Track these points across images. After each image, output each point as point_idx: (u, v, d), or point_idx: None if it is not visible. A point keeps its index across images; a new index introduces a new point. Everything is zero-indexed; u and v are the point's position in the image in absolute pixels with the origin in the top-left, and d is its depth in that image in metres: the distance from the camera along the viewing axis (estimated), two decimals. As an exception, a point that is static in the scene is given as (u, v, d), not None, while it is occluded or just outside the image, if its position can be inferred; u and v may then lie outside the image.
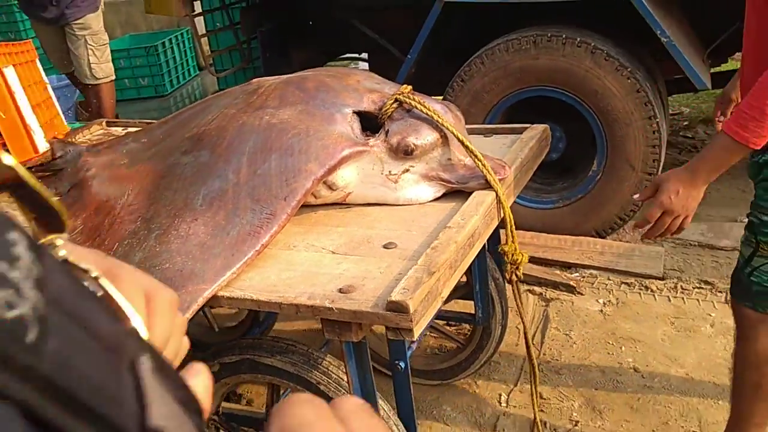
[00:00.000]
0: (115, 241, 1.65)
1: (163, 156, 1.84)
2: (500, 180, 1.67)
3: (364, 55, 5.55)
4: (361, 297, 1.34)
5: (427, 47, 3.40)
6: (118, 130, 2.85)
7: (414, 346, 2.09)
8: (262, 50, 4.24)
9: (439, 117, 1.66)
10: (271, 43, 4.26)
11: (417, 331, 1.27)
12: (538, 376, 2.04)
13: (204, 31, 4.70)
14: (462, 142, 1.65)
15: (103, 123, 2.93)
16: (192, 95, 6.82)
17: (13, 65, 2.29)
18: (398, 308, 1.25)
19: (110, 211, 1.80)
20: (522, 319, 1.87)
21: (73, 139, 2.65)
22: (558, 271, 3.19)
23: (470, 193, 1.69)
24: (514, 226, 1.71)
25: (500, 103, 3.26)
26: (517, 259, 1.77)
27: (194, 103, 2.17)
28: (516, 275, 1.81)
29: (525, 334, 1.95)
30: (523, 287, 3.11)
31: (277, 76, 1.93)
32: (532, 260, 3.26)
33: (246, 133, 1.69)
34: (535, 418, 2.10)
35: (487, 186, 1.67)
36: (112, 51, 6.72)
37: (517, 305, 1.90)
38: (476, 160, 1.65)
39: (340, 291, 1.37)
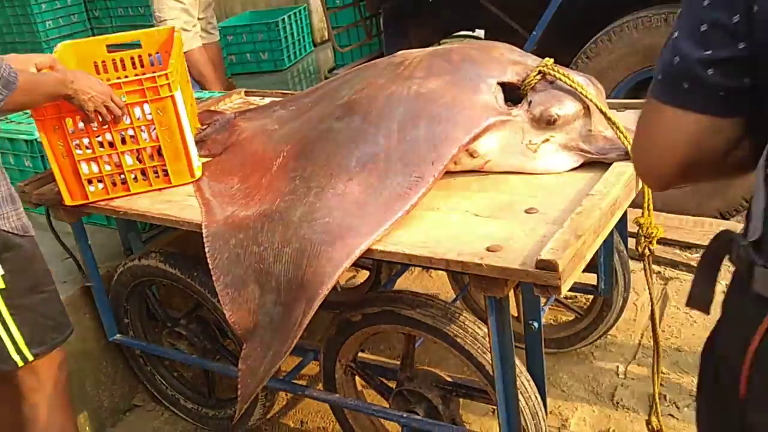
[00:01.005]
0: (276, 197, 1.82)
1: (315, 122, 1.99)
2: (640, 152, 1.72)
3: (479, 33, 5.59)
4: (509, 255, 1.44)
5: (552, 24, 3.41)
6: (256, 100, 3.05)
7: (547, 308, 2.18)
8: (385, 27, 4.36)
9: (582, 89, 1.72)
10: (392, 19, 4.38)
11: (564, 289, 1.36)
12: (660, 349, 2.07)
13: (322, 9, 4.87)
14: (605, 114, 1.71)
15: (242, 92, 3.14)
16: (307, 70, 7.06)
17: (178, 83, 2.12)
18: (548, 266, 1.34)
19: (267, 171, 1.97)
20: (650, 292, 1.90)
21: (216, 108, 2.86)
22: (677, 251, 3.16)
23: (608, 165, 1.75)
24: (651, 200, 1.75)
25: (626, 81, 3.24)
26: (652, 233, 1.81)
27: (337, 75, 2.32)
28: (649, 249, 1.85)
29: (652, 307, 1.99)
30: (641, 265, 3.11)
31: (420, 49, 2.04)
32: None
33: (395, 102, 1.82)
34: (655, 390, 2.13)
35: (627, 158, 1.73)
36: (234, 27, 7.06)
37: (647, 279, 1.93)
38: (618, 131, 1.71)
39: (488, 249, 1.47)
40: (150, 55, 2.43)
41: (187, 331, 2.34)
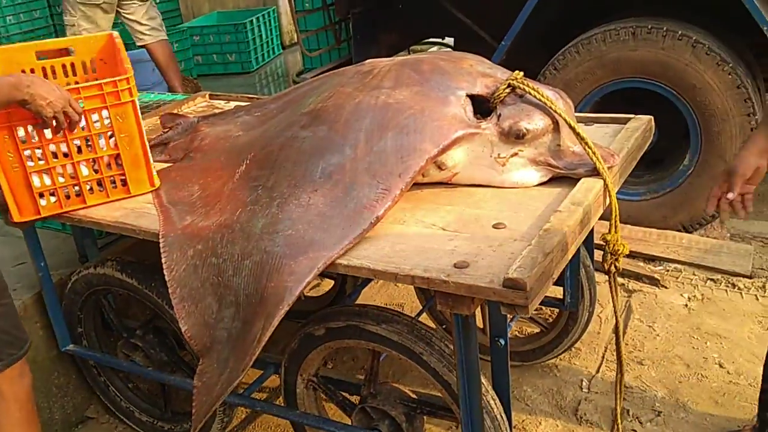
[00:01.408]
0: (237, 206, 1.76)
1: (280, 129, 1.94)
2: (609, 168, 1.71)
3: (448, 41, 5.59)
4: (476, 273, 1.41)
5: (521, 35, 3.41)
6: (221, 103, 2.98)
7: (513, 324, 2.15)
8: (354, 32, 4.32)
9: (551, 103, 1.70)
10: (362, 25, 4.34)
11: (531, 308, 1.33)
12: (623, 366, 2.05)
13: (291, 12, 4.82)
14: (573, 129, 1.69)
15: (207, 95, 3.07)
16: (275, 73, 6.98)
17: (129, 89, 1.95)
18: (515, 285, 1.31)
19: (229, 179, 1.91)
20: (615, 309, 1.89)
21: (179, 111, 2.79)
22: (641, 264, 3.18)
23: (576, 180, 1.74)
24: (618, 216, 1.74)
25: (593, 93, 3.26)
26: (618, 250, 1.79)
27: (304, 82, 2.27)
28: (615, 266, 1.83)
29: (617, 323, 1.97)
30: (605, 277, 3.11)
31: (389, 58, 2.01)
32: (616, 251, 3.26)
33: (363, 111, 1.78)
34: (616, 405, 2.10)
35: (595, 174, 1.71)
36: (201, 27, 6.95)
37: (612, 295, 1.92)
38: (586, 147, 1.69)
39: (455, 266, 1.44)
40: (84, 63, 2.26)
41: (143, 343, 2.26)
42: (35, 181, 1.89)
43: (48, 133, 1.84)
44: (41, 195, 1.92)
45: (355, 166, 1.68)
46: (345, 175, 1.68)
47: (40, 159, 1.88)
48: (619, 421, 2.09)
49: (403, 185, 1.64)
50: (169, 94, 4.59)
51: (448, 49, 5.55)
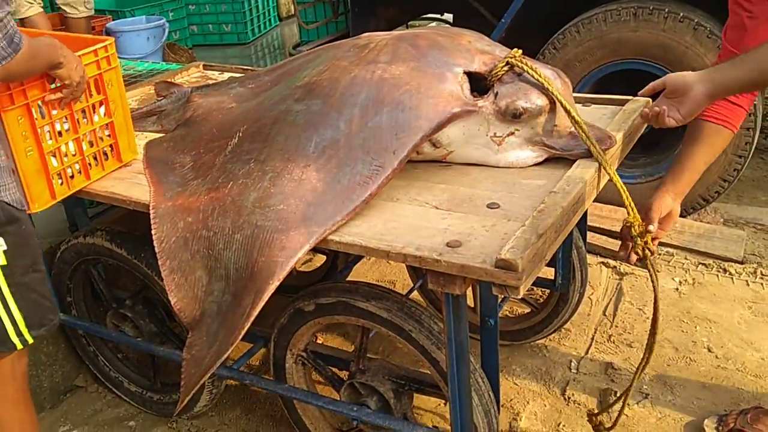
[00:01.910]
0: (229, 179, 1.74)
1: (274, 102, 1.91)
2: (605, 150, 1.69)
3: (447, 17, 5.53)
4: (468, 252, 1.40)
5: (521, 13, 3.37)
6: (215, 74, 2.95)
7: (503, 304, 2.15)
8: (352, 5, 4.27)
9: (549, 83, 1.68)
10: (360, -2, 4.29)
11: (523, 290, 1.32)
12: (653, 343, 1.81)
13: (292, -17, 4.76)
14: (568, 112, 1.67)
15: (201, 66, 3.03)
16: (271, 45, 6.91)
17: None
18: (507, 266, 1.30)
19: (221, 150, 1.89)
20: (655, 296, 1.71)
21: (173, 80, 2.75)
22: (634, 247, 3.18)
23: (571, 161, 1.72)
24: (630, 197, 1.69)
25: (592, 73, 3.23)
26: (644, 231, 1.68)
27: (300, 54, 2.24)
28: (649, 249, 1.70)
29: (654, 314, 1.76)
30: (597, 260, 3.12)
31: (387, 32, 1.98)
32: (608, 234, 3.27)
33: (358, 86, 1.75)
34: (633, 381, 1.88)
35: (590, 155, 1.70)
36: (199, -5, 6.85)
37: (653, 282, 1.72)
38: (580, 131, 1.67)
39: (448, 245, 1.43)
40: None
41: (132, 313, 2.25)
42: (52, 161, 1.79)
43: (57, 106, 1.74)
44: (54, 177, 1.81)
45: (349, 142, 1.66)
46: (339, 150, 1.66)
47: (49, 138, 1.77)
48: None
49: (396, 162, 1.62)
50: (163, 63, 4.55)
51: (447, 25, 5.50)
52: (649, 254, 1.68)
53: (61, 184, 1.84)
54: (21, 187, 1.71)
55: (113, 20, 5.32)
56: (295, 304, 1.85)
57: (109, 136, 1.94)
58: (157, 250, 1.70)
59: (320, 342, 2.55)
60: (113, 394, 2.51)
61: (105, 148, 1.94)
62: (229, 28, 6.76)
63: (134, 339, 2.25)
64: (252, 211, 1.61)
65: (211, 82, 2.68)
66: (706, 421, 2.17)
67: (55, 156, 1.80)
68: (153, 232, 1.72)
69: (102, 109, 1.91)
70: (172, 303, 1.66)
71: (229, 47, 6.69)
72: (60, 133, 1.80)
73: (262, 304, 1.50)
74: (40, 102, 1.70)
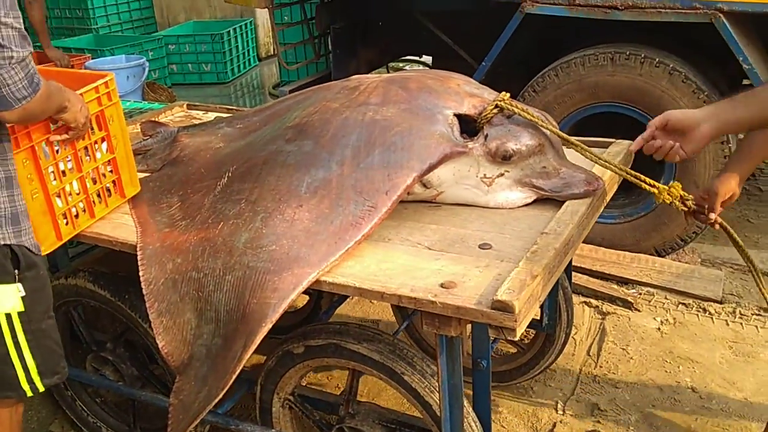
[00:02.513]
0: (219, 219, 1.72)
1: (264, 142, 1.91)
2: (593, 191, 1.72)
3: (425, 59, 5.63)
4: (464, 294, 1.39)
5: (500, 56, 3.44)
6: (199, 114, 2.95)
7: (495, 346, 2.14)
8: (334, 47, 4.32)
9: (542, 122, 1.71)
10: (341, 40, 4.34)
11: (519, 331, 1.32)
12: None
13: (271, 25, 4.80)
14: (569, 141, 1.70)
15: (185, 105, 3.03)
16: (251, 84, 6.95)
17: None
18: (504, 308, 1.30)
19: (209, 190, 1.88)
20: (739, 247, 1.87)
21: (157, 119, 2.75)
22: (615, 286, 3.21)
23: (560, 203, 1.74)
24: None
25: (570, 116, 3.29)
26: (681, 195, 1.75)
27: (289, 95, 2.25)
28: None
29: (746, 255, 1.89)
30: (579, 299, 3.14)
31: (376, 75, 2.00)
32: (590, 273, 3.29)
33: (349, 127, 1.76)
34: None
35: (580, 197, 1.72)
36: (177, 36, 6.89)
37: (736, 245, 1.91)
38: (583, 151, 1.71)
39: (442, 286, 1.42)
40: None
41: (113, 356, 2.20)
42: (57, 202, 1.75)
43: (65, 144, 1.72)
44: (59, 217, 1.77)
45: (341, 182, 1.67)
46: (331, 190, 1.66)
47: (54, 179, 1.74)
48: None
49: (389, 203, 1.62)
50: (146, 102, 4.54)
51: (425, 67, 5.59)
52: (693, 208, 1.80)
53: (67, 224, 1.80)
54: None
55: (92, 59, 5.31)
56: (284, 347, 1.82)
57: (111, 171, 1.91)
58: (144, 291, 1.67)
59: (305, 384, 2.51)
60: (90, 441, 2.44)
61: (108, 184, 1.91)
62: (208, 67, 6.80)
63: (115, 383, 2.19)
64: (243, 251, 1.60)
65: (196, 121, 2.68)
66: None
67: (59, 196, 1.76)
68: (141, 273, 1.69)
69: (104, 146, 1.89)
70: (159, 346, 1.63)
71: (209, 86, 6.71)
72: (64, 173, 1.76)
73: (254, 347, 1.47)
74: (44, 143, 1.67)
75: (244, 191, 1.77)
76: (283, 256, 1.55)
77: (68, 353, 2.36)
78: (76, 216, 1.83)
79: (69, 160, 1.78)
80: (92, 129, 1.81)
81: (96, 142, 1.84)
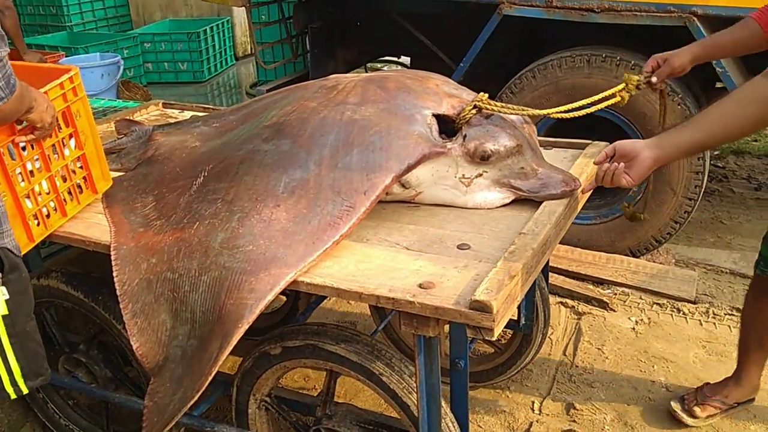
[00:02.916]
0: (195, 219, 1.70)
1: (241, 141, 1.90)
2: (570, 191, 1.73)
3: (404, 59, 5.63)
4: (442, 294, 1.39)
5: (478, 57, 3.45)
6: (175, 112, 2.91)
7: (473, 346, 2.15)
8: (311, 46, 4.30)
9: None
10: (319, 40, 4.33)
11: (497, 331, 1.32)
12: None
13: (248, 24, 4.77)
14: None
15: (160, 104, 3.00)
16: (228, 84, 6.90)
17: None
18: (482, 308, 1.30)
19: (185, 190, 1.86)
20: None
21: (132, 118, 2.71)
22: (591, 287, 3.23)
23: (538, 203, 1.75)
24: None
25: (547, 118, 3.30)
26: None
27: (266, 94, 2.24)
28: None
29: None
30: (555, 299, 3.16)
31: (354, 74, 1.99)
32: (566, 274, 3.31)
33: (327, 126, 1.75)
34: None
35: (557, 197, 1.72)
36: (153, 34, 6.82)
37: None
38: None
39: (421, 286, 1.42)
40: None
41: (86, 358, 2.16)
42: (27, 203, 1.71)
43: (27, 146, 1.67)
44: (30, 219, 1.72)
45: (319, 182, 1.65)
46: (309, 190, 1.65)
47: (21, 180, 1.69)
48: None
49: (368, 203, 1.61)
50: (120, 101, 4.48)
51: (403, 67, 5.59)
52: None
53: (38, 225, 1.75)
54: None
55: (66, 57, 5.23)
56: (261, 348, 1.80)
57: (81, 168, 1.87)
58: (118, 292, 1.64)
59: (283, 386, 2.49)
60: (62, 444, 2.40)
61: (78, 181, 1.86)
62: (185, 66, 6.73)
63: (88, 385, 2.16)
64: (220, 252, 1.58)
65: (171, 120, 2.65)
66: (671, 404, 2.40)
67: (29, 197, 1.71)
68: (114, 274, 1.66)
69: (72, 142, 1.83)
70: (134, 348, 1.60)
71: (185, 85, 6.65)
72: (32, 173, 1.71)
73: (230, 348, 1.46)
74: (10, 144, 1.63)
75: (220, 191, 1.75)
76: (260, 256, 1.54)
77: (40, 355, 2.33)
78: (48, 216, 1.79)
79: (37, 160, 1.73)
80: (59, 126, 1.76)
81: (63, 140, 1.79)
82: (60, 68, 1.87)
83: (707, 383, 2.43)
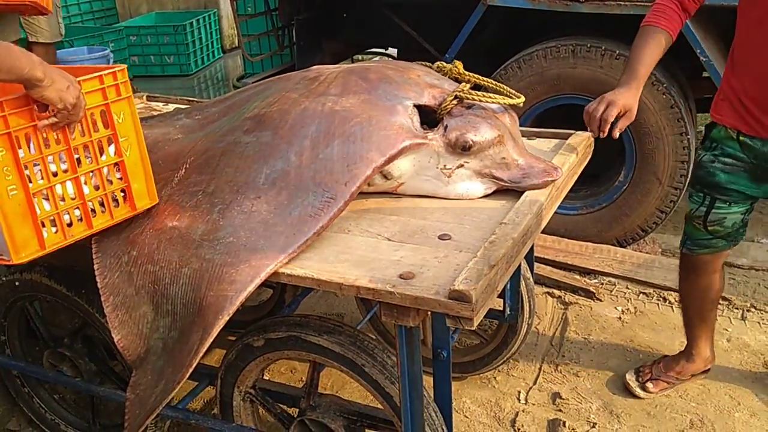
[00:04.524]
0: (176, 212, 1.70)
1: (222, 134, 1.89)
2: (552, 181, 1.73)
3: (391, 51, 5.61)
4: (422, 284, 1.39)
5: (464, 48, 3.44)
6: (159, 105, 2.90)
7: (455, 336, 2.15)
8: (297, 38, 4.29)
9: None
10: (305, 32, 4.31)
11: (476, 321, 1.33)
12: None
13: (233, 16, 4.75)
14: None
15: (144, 97, 2.98)
16: (215, 77, 6.87)
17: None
18: (461, 297, 1.31)
19: (167, 182, 1.85)
20: None
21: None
22: (578, 277, 3.25)
23: (520, 193, 1.75)
24: None
25: (533, 108, 3.31)
26: None
27: (248, 85, 2.23)
28: None
29: None
30: (542, 290, 3.17)
31: (336, 65, 1.99)
32: (553, 264, 3.32)
33: (308, 118, 1.75)
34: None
35: (538, 187, 1.73)
36: (139, 27, 6.77)
37: None
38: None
39: (401, 277, 1.42)
40: None
41: (71, 352, 2.16)
42: (45, 205, 1.51)
43: (50, 131, 1.47)
44: (43, 224, 1.51)
45: (300, 174, 1.65)
46: (289, 182, 1.65)
47: (40, 177, 1.50)
48: None
49: (348, 194, 1.61)
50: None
51: (391, 59, 5.57)
52: None
53: (56, 231, 1.54)
54: (0, 231, 1.46)
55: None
56: (244, 340, 1.80)
57: (120, 179, 1.63)
58: (99, 285, 1.64)
59: (267, 378, 2.49)
60: (48, 438, 2.39)
61: (115, 192, 1.64)
62: (171, 59, 6.70)
63: (73, 379, 2.15)
64: (200, 244, 1.57)
65: (155, 113, 2.64)
66: (627, 375, 2.51)
67: (48, 199, 1.52)
68: (95, 266, 1.66)
69: (112, 149, 1.63)
70: (115, 340, 1.60)
71: (172, 78, 6.62)
72: (55, 173, 1.53)
73: (210, 340, 1.45)
74: (31, 135, 1.46)
75: (201, 183, 1.74)
76: (240, 248, 1.53)
77: (25, 349, 2.33)
78: (69, 224, 1.56)
79: (63, 161, 1.54)
80: (96, 127, 1.57)
81: (100, 142, 1.59)
82: (106, 66, 1.66)
83: (665, 356, 2.56)
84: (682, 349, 2.52)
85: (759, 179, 2.08)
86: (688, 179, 3.19)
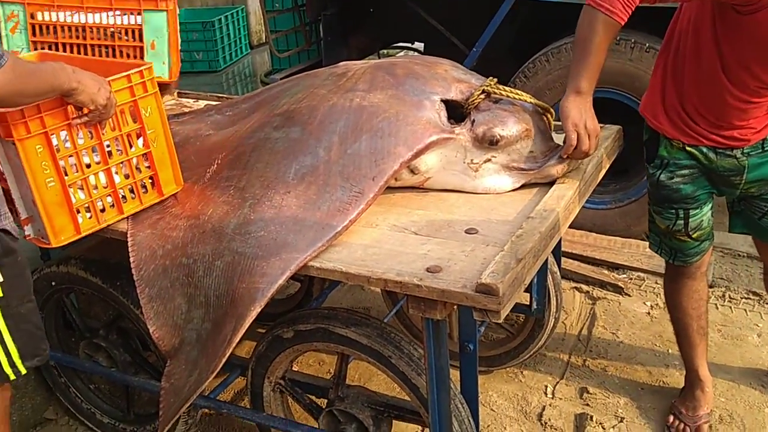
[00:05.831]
0: (209, 207, 1.74)
1: (253, 130, 1.92)
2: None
3: (417, 45, 5.62)
4: (449, 277, 1.41)
5: (492, 41, 3.44)
6: (189, 102, 2.95)
7: (483, 329, 2.16)
8: (324, 34, 4.31)
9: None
10: (332, 27, 4.33)
11: (503, 314, 1.34)
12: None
13: (261, 12, 4.79)
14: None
15: (175, 93, 3.03)
16: (243, 73, 6.93)
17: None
18: (488, 290, 1.32)
19: (199, 178, 1.89)
20: None
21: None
22: (606, 271, 3.23)
23: (548, 187, 1.76)
24: None
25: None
26: None
27: (277, 82, 2.26)
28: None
29: None
30: (570, 284, 3.16)
31: (363, 61, 2.01)
32: (581, 259, 3.31)
33: (337, 113, 1.77)
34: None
35: (563, 161, 1.74)
36: (169, 23, 6.85)
37: None
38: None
39: (428, 270, 1.44)
40: None
41: (106, 343, 2.21)
42: (80, 194, 1.69)
43: (82, 133, 1.64)
44: (78, 211, 1.69)
45: (328, 169, 1.68)
46: (318, 177, 1.67)
47: (75, 170, 1.66)
48: None
49: (376, 189, 1.64)
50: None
51: (417, 53, 5.58)
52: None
53: (90, 217, 1.72)
54: (40, 218, 1.64)
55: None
56: (274, 332, 1.84)
57: (148, 167, 1.79)
58: (135, 277, 1.69)
59: (296, 369, 2.53)
60: (85, 427, 2.46)
61: (144, 181, 1.80)
62: (200, 55, 6.77)
63: (108, 369, 2.21)
64: (232, 237, 1.61)
65: (186, 109, 2.69)
66: None
67: (82, 189, 1.69)
68: (131, 259, 1.70)
69: (140, 141, 1.78)
70: (150, 331, 1.64)
71: (200, 75, 6.69)
72: (89, 165, 1.69)
73: (243, 330, 1.49)
74: (65, 133, 1.61)
75: (232, 178, 1.78)
76: (270, 241, 1.57)
77: (61, 340, 2.39)
78: (102, 210, 1.74)
79: (96, 153, 1.70)
80: (126, 121, 1.72)
81: (129, 135, 1.74)
82: (132, 63, 1.83)
83: (678, 399, 2.36)
84: (688, 380, 2.37)
85: (715, 183, 2.05)
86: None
